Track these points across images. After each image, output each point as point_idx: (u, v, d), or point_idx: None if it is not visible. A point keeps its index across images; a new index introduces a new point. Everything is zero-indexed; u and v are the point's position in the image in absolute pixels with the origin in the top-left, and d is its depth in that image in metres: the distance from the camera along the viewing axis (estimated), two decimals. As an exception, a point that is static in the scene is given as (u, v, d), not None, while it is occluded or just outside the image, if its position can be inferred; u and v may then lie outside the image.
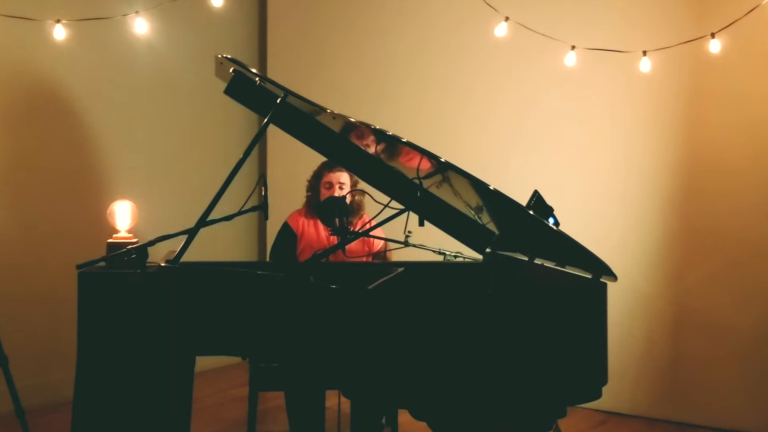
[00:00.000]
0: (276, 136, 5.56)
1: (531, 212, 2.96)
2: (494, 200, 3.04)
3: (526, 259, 3.49)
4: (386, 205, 3.29)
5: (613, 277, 2.92)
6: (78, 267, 3.03)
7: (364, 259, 4.11)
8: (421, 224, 3.20)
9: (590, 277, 3.05)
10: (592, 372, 2.91)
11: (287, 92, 3.23)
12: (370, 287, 2.88)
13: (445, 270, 3.81)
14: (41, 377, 4.90)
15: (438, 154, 2.86)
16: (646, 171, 5.03)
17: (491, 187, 2.81)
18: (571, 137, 5.25)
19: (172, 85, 5.71)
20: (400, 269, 3.33)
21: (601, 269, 2.93)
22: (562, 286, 3.22)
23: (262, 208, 3.33)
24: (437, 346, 2.79)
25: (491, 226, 3.56)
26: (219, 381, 5.66)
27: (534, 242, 3.37)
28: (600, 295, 2.99)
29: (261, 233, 6.19)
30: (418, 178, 3.19)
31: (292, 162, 4.66)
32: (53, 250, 5.00)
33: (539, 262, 3.43)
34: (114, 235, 3.66)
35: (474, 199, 3.30)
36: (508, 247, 3.63)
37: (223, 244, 5.60)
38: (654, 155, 5.01)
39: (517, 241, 3.54)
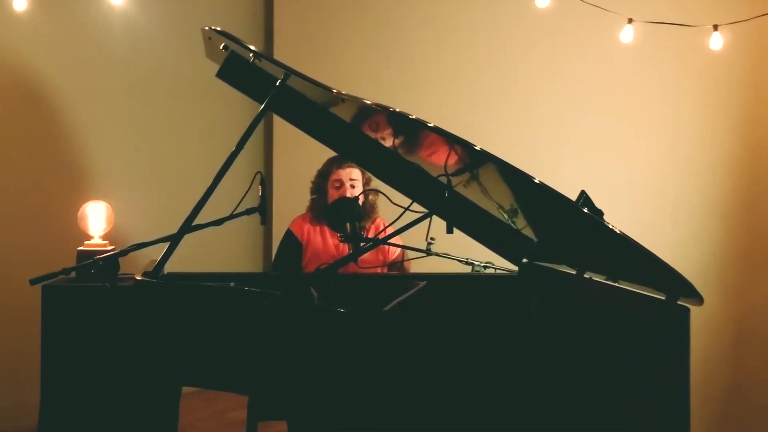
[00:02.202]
0: (284, 128, 5.06)
1: (586, 211, 2.48)
2: (537, 198, 2.61)
3: (573, 272, 3.05)
4: (407, 208, 2.88)
5: (698, 299, 2.36)
6: (32, 281, 2.65)
7: (378, 269, 3.73)
8: (450, 231, 2.77)
9: (663, 298, 2.51)
10: (667, 423, 2.35)
11: (289, 72, 2.84)
12: (386, 308, 2.52)
13: (474, 284, 3.43)
14: (11, 399, 4.56)
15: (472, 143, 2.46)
16: (703, 170, 4.74)
17: (536, 180, 2.40)
18: (620, 130, 4.92)
19: (155, 68, 5.14)
20: (422, 283, 3.02)
21: (679, 288, 2.40)
22: (623, 308, 2.69)
23: (259, 210, 2.99)
24: (466, 381, 2.37)
25: (528, 232, 3.18)
26: (215, 402, 5.22)
27: (583, 251, 2.95)
28: (678, 323, 2.42)
29: (267, 239, 5.71)
30: (446, 174, 2.75)
31: (305, 158, 4.29)
32: (20, 258, 4.52)
33: (589, 277, 2.99)
34: (86, 242, 3.30)
35: (507, 199, 2.95)
36: (549, 256, 3.24)
37: (224, 252, 5.15)
38: (713, 152, 4.75)
39: (560, 249, 3.15)
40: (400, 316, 2.54)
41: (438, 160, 2.84)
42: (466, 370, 2.36)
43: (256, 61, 2.92)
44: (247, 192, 2.99)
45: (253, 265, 5.63)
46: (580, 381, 2.30)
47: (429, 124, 2.48)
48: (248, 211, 2.98)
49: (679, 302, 2.48)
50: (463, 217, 3.10)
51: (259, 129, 5.00)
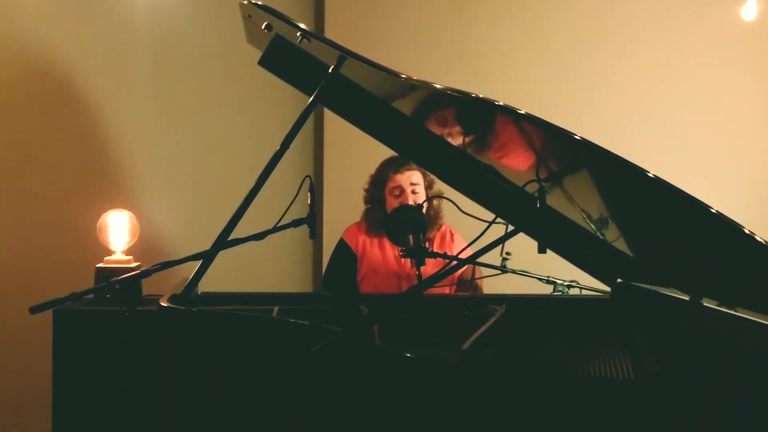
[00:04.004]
0: (336, 124, 4.78)
1: (717, 212, 2.00)
2: (653, 198, 2.17)
3: (684, 297, 2.62)
4: (492, 222, 2.45)
5: None
6: (32, 310, 2.32)
7: (447, 289, 3.46)
8: (542, 250, 2.32)
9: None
10: None
11: (345, 54, 2.55)
12: (464, 347, 2.13)
13: (560, 308, 3.09)
14: (20, 429, 4.25)
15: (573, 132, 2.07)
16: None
17: (651, 174, 1.98)
18: (725, 124, 4.57)
19: (188, 55, 4.71)
20: (501, 309, 2.71)
21: None
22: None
23: (307, 221, 2.71)
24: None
25: (620, 245, 2.80)
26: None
27: (703, 270, 2.47)
28: None
29: (316, 252, 5.38)
30: (538, 180, 2.31)
31: (360, 158, 4.10)
32: (31, 274, 4.21)
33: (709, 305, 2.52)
34: (106, 258, 3.14)
35: (596, 205, 2.62)
36: (648, 275, 2.86)
37: (269, 268, 4.81)
38: None
39: (666, 266, 2.73)
40: (478, 355, 2.18)
41: (524, 159, 2.52)
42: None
43: (305, 41, 2.63)
44: (293, 200, 2.71)
45: (301, 283, 5.26)
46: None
47: (519, 111, 2.11)
48: (295, 223, 2.68)
49: None
50: (554, 231, 2.76)
51: (308, 126, 4.67)
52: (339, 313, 2.79)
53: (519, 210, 2.56)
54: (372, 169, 3.63)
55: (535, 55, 4.78)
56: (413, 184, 3.45)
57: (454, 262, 3.05)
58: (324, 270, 3.80)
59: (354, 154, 4.50)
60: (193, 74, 4.62)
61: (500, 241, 2.27)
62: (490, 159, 2.79)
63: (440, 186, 3.34)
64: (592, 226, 2.78)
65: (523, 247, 2.70)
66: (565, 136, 2.03)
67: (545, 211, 2.48)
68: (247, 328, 2.33)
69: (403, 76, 2.41)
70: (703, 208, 1.98)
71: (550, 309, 3.06)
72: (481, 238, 2.45)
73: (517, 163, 2.61)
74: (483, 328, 2.35)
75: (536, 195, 2.38)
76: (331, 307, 2.87)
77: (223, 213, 2.71)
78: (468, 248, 2.80)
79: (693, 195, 2.03)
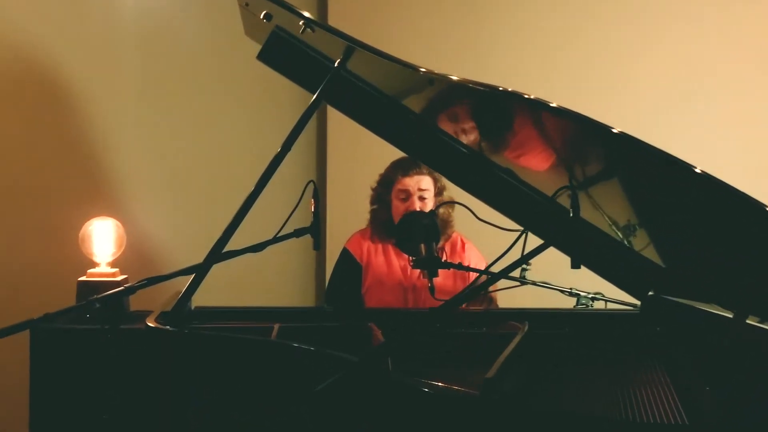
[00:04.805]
0: (341, 124, 4.75)
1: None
2: (688, 201, 2.01)
3: (729, 315, 2.40)
4: (521, 235, 2.28)
5: None
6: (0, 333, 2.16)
7: None
8: (576, 266, 2.20)
9: None
10: None
11: (353, 45, 2.41)
12: (489, 375, 1.95)
13: (587, 324, 2.93)
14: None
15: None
16: None
17: (698, 170, 1.78)
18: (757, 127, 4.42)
19: (179, 49, 4.52)
20: (524, 327, 2.55)
21: None
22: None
23: (311, 231, 2.63)
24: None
25: (650, 254, 2.64)
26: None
27: (751, 284, 2.24)
28: None
29: (320, 262, 5.26)
30: (572, 187, 2.13)
31: (366, 161, 3.98)
32: (8, 288, 3.97)
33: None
34: (89, 271, 3.01)
35: (624, 210, 2.48)
36: (684, 289, 2.69)
37: (269, 278, 4.69)
38: None
39: (706, 279, 2.52)
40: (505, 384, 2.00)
41: (553, 160, 2.38)
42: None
43: (308, 31, 2.48)
44: (296, 207, 2.61)
45: (304, 294, 5.16)
46: None
47: (550, 104, 1.94)
48: (297, 233, 2.60)
49: None
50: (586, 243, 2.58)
51: (310, 126, 4.53)
52: (346, 331, 2.65)
53: (551, 221, 2.40)
54: (379, 171, 3.52)
55: (551, 50, 4.65)
56: (421, 189, 3.34)
57: (482, 279, 2.92)
58: (327, 281, 3.69)
59: (360, 156, 4.43)
60: (186, 70, 4.46)
61: (529, 256, 2.10)
62: (512, 161, 2.64)
63: (451, 193, 3.28)
64: (619, 233, 2.63)
65: (542, 256, 2.46)
66: (603, 129, 1.87)
67: (578, 222, 2.33)
68: (243, 352, 2.18)
69: (423, 69, 2.27)
70: (760, 208, 1.76)
71: (576, 325, 2.90)
72: (521, 261, 2.26)
73: (544, 164, 2.46)
74: (507, 352, 2.16)
75: (569, 203, 2.21)
76: (337, 324, 2.74)
77: (219, 221, 2.61)
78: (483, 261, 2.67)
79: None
